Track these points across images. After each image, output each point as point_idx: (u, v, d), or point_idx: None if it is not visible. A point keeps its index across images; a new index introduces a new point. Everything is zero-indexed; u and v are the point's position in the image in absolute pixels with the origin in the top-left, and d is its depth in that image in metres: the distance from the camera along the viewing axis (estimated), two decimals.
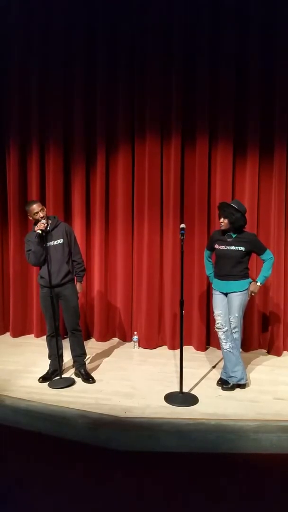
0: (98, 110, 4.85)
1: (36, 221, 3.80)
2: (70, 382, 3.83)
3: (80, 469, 2.93)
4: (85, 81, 4.82)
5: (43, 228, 3.70)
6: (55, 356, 3.93)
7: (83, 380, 3.92)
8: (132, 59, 4.74)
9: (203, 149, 4.63)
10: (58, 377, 3.88)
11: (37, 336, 5.15)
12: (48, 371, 3.96)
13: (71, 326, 3.96)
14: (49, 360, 4.00)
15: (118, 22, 4.71)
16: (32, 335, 5.20)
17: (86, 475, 2.85)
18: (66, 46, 4.82)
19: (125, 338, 5.04)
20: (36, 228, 3.72)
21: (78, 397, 3.59)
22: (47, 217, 3.81)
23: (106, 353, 4.69)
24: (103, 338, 5.05)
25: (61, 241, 3.84)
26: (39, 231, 3.68)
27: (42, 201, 5.03)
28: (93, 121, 4.89)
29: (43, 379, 3.88)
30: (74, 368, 4.09)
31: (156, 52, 4.62)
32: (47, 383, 3.84)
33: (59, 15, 4.78)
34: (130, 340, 4.94)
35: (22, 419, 3.41)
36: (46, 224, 3.73)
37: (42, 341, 5.00)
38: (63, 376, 3.95)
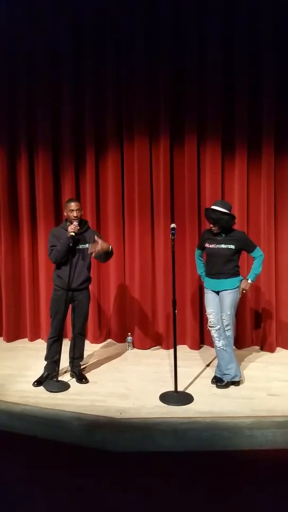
0: (86, 113, 4.85)
1: (67, 219, 3.86)
2: (65, 387, 3.81)
3: (77, 472, 2.92)
4: (72, 84, 4.82)
5: (76, 231, 3.72)
6: (51, 359, 3.93)
7: (76, 381, 3.94)
8: (119, 60, 4.75)
9: (191, 149, 4.66)
10: (55, 379, 3.86)
11: (31, 340, 5.13)
12: (42, 374, 3.95)
13: (78, 330, 4.00)
14: (44, 363, 3.98)
15: (105, 22, 4.71)
16: (26, 339, 5.18)
17: (82, 477, 2.85)
18: (53, 48, 4.82)
19: (119, 339, 5.04)
20: (69, 229, 3.74)
21: (73, 400, 3.58)
22: (80, 220, 3.85)
23: (101, 354, 4.69)
24: (97, 339, 5.05)
25: (86, 245, 3.85)
26: (72, 233, 3.70)
27: (33, 206, 5.05)
28: (81, 124, 4.89)
29: (38, 383, 3.87)
30: (70, 368, 4.09)
31: (143, 53, 4.64)
32: (42, 385, 3.83)
33: (46, 17, 4.77)
34: (124, 341, 4.95)
35: (17, 423, 3.40)
36: (78, 227, 3.75)
37: (36, 345, 5.01)
38: (59, 379, 3.93)
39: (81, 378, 3.95)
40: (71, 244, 3.74)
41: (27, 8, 4.80)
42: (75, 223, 3.76)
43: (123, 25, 4.69)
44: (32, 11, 4.80)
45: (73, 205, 3.83)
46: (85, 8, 4.72)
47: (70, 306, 3.97)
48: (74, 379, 3.98)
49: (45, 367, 3.97)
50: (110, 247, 3.80)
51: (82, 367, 4.13)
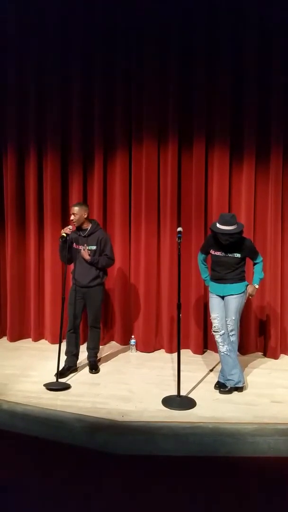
0: (95, 115, 4.87)
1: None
2: (64, 386, 3.83)
3: (78, 473, 2.92)
4: (82, 86, 4.84)
5: (68, 232, 4.01)
6: (71, 353, 4.13)
7: (89, 370, 4.18)
8: (129, 63, 4.77)
9: (200, 154, 4.66)
10: (55, 380, 3.88)
11: (35, 340, 5.13)
12: (64, 367, 4.08)
13: (91, 322, 4.25)
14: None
15: (115, 26, 4.73)
16: (30, 339, 5.18)
17: (83, 479, 2.84)
18: (63, 51, 4.84)
19: (123, 341, 5.04)
20: (62, 231, 4.05)
21: (75, 401, 3.58)
22: (89, 220, 4.17)
23: (104, 356, 4.68)
24: (101, 341, 5.03)
25: (94, 247, 4.10)
26: (64, 234, 3.99)
27: (40, 207, 5.06)
28: (91, 126, 4.90)
29: (60, 374, 3.94)
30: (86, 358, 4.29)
31: (153, 57, 4.65)
32: (43, 383, 3.84)
33: (56, 20, 4.81)
34: (128, 343, 4.94)
35: (19, 423, 3.40)
36: (69, 229, 4.03)
37: (40, 345, 5.03)
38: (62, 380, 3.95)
39: (92, 368, 4.18)
40: (63, 240, 3.98)
41: (36, 10, 4.83)
42: (69, 226, 4.07)
43: (134, 28, 4.70)
44: (41, 14, 4.82)
45: (72, 208, 4.12)
46: (96, 11, 4.74)
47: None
48: (74, 379, 3.99)
49: (65, 360, 4.14)
50: (90, 260, 4.05)
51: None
